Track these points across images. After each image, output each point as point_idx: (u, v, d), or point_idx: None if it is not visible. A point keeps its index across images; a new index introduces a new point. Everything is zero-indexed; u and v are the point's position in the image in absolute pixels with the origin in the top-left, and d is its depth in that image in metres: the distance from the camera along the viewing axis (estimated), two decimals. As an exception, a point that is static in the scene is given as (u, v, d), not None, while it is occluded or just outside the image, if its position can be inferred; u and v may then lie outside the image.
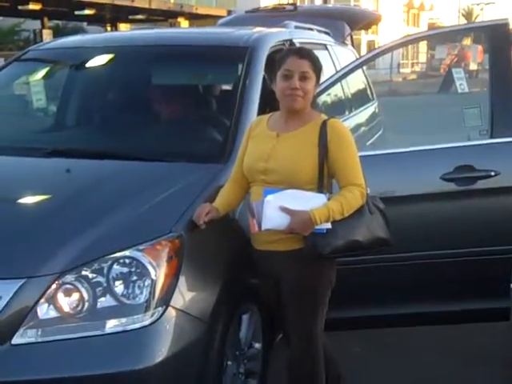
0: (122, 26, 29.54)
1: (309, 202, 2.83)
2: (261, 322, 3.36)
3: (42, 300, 2.63)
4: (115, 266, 2.70)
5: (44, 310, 2.64)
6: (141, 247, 2.73)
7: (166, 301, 2.70)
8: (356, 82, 5.52)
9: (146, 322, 2.65)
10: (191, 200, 3.03)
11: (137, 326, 2.64)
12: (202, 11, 29.69)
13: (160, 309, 2.68)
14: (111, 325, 2.64)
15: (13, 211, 3.13)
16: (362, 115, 5.54)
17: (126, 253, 2.72)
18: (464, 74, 4.41)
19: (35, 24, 26.45)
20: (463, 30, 6.61)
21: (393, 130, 5.66)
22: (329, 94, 4.23)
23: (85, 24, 31.69)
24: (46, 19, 25.71)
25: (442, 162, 3.62)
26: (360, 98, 5.75)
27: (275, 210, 2.80)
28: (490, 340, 4.35)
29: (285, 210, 2.80)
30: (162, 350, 2.65)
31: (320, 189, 2.88)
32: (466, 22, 61.07)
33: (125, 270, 2.71)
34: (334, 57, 5.23)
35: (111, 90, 4.45)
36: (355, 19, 6.79)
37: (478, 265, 3.61)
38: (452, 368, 4.08)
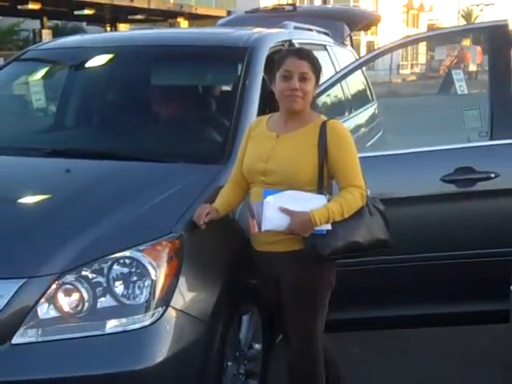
0: (122, 26, 29.55)
1: (308, 203, 2.83)
2: (261, 322, 3.36)
3: (43, 300, 2.63)
4: (115, 267, 2.70)
5: (44, 310, 2.64)
6: (141, 247, 2.74)
7: (166, 301, 2.70)
8: (355, 83, 5.52)
9: (146, 323, 2.65)
10: (191, 201, 3.03)
11: (137, 326, 2.64)
12: (201, 11, 29.69)
13: (160, 309, 2.68)
14: (111, 325, 2.64)
15: (13, 211, 3.13)
16: (361, 116, 5.55)
17: (126, 253, 2.73)
18: (463, 76, 4.41)
19: (34, 24, 26.45)
20: (463, 31, 6.59)
21: (392, 131, 5.67)
22: (328, 95, 4.23)
23: (84, 24, 31.69)
24: (45, 19, 25.71)
25: (441, 164, 3.62)
26: (360, 99, 5.75)
27: (275, 211, 2.80)
28: (490, 342, 4.35)
29: (284, 210, 2.80)
30: (162, 351, 2.65)
31: (320, 190, 2.88)
32: (465, 23, 61.05)
33: (125, 270, 2.71)
34: (334, 57, 5.23)
35: (111, 90, 4.45)
36: (355, 20, 6.79)
37: (477, 267, 3.60)
38: (451, 369, 4.08)
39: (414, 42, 4.91)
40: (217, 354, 2.91)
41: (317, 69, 2.97)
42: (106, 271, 2.69)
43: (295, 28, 4.88)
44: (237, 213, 3.19)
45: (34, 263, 2.69)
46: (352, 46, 6.64)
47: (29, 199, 3.28)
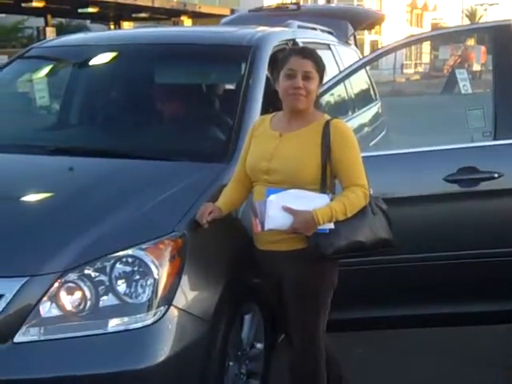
0: (126, 25, 29.54)
1: (311, 202, 2.83)
2: (263, 322, 3.35)
3: (45, 298, 2.63)
4: (118, 265, 2.70)
5: (46, 309, 2.64)
6: (144, 246, 2.73)
7: (168, 300, 2.70)
8: (359, 82, 5.51)
9: (149, 322, 2.65)
10: (194, 199, 3.03)
11: (139, 325, 2.64)
12: (205, 10, 29.68)
13: (162, 308, 2.68)
14: (113, 324, 2.64)
15: (15, 209, 3.13)
16: (365, 115, 5.54)
17: (129, 252, 2.72)
18: (467, 75, 4.41)
19: (39, 21, 26.46)
20: (467, 30, 6.59)
21: (396, 130, 5.66)
22: (332, 94, 4.23)
23: (88, 22, 31.72)
24: (49, 17, 25.71)
25: (444, 164, 3.61)
26: (363, 99, 5.74)
27: (278, 210, 2.80)
28: (491, 342, 4.35)
29: (287, 209, 2.79)
30: (164, 350, 2.64)
31: (323, 189, 2.88)
32: (469, 22, 61.01)
33: (127, 268, 2.71)
34: (337, 57, 5.22)
35: (114, 89, 4.45)
36: (358, 19, 6.78)
37: (480, 267, 3.60)
38: (452, 370, 4.08)
39: (418, 41, 4.91)
40: (219, 353, 2.91)
41: (320, 68, 2.97)
42: (108, 270, 2.69)
43: (299, 27, 4.88)
44: (240, 212, 3.19)
45: (37, 261, 2.68)
46: (356, 45, 6.63)
47: (31, 197, 3.27)
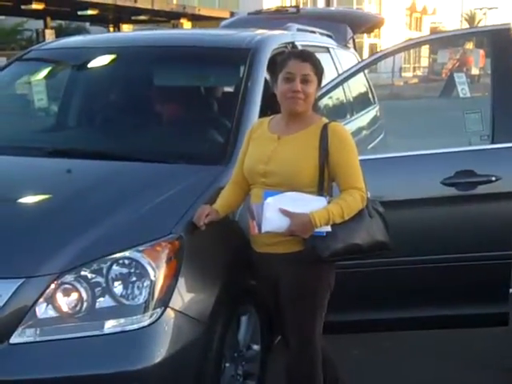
0: (125, 27, 29.55)
1: (309, 204, 2.83)
2: (259, 323, 3.36)
3: (41, 300, 2.63)
4: (114, 267, 2.70)
5: (43, 310, 2.64)
6: (140, 248, 2.74)
7: (164, 302, 2.70)
8: (358, 85, 5.52)
9: (145, 323, 2.65)
10: (191, 201, 3.03)
11: (135, 326, 2.64)
12: (204, 12, 29.67)
13: (159, 310, 2.68)
14: (110, 325, 2.64)
15: (13, 211, 3.13)
16: (363, 119, 5.54)
17: (126, 253, 2.73)
18: (466, 79, 4.41)
19: (38, 24, 26.46)
20: (465, 34, 6.63)
21: (394, 133, 5.66)
22: (330, 98, 4.23)
23: (87, 24, 31.71)
24: (48, 19, 25.70)
25: (442, 167, 3.62)
26: (361, 102, 5.75)
27: (275, 213, 2.80)
28: (489, 344, 4.35)
29: (285, 212, 2.80)
30: (160, 351, 2.65)
31: (320, 192, 2.88)
32: (468, 26, 61.05)
33: (124, 270, 2.71)
34: (336, 60, 5.23)
35: (113, 91, 4.45)
36: (358, 22, 6.80)
37: (477, 270, 3.60)
38: (450, 372, 4.08)
39: (417, 45, 4.92)
40: (215, 354, 2.91)
41: (319, 71, 2.97)
42: (105, 271, 2.69)
43: (298, 30, 4.88)
44: (237, 214, 3.19)
45: (33, 263, 2.68)
46: (355, 48, 6.64)
47: (29, 199, 3.28)
